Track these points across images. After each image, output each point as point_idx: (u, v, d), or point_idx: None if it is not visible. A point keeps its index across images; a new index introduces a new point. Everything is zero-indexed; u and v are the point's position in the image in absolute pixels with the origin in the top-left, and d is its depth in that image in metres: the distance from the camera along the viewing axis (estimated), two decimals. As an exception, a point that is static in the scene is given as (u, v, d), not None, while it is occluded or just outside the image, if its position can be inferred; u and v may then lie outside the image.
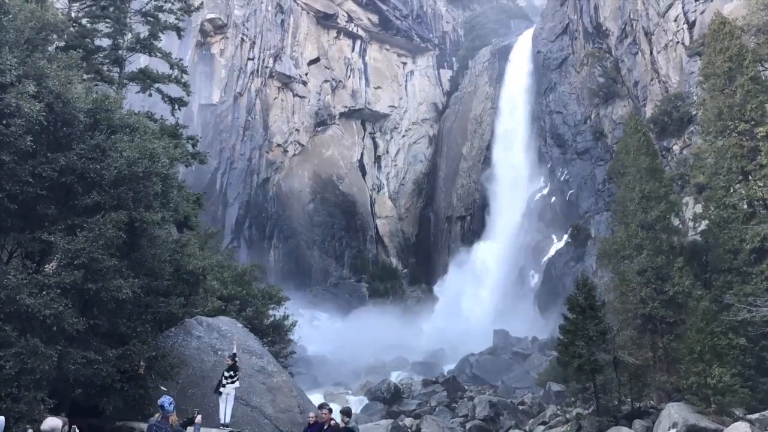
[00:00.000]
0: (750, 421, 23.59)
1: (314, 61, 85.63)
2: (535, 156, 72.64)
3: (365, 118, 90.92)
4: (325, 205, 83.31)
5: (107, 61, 29.70)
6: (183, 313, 20.42)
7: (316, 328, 63.22)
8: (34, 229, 15.86)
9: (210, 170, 71.27)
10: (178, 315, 19.83)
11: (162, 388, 18.31)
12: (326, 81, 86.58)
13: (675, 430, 24.66)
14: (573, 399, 31.35)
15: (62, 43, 24.61)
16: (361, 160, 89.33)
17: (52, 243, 15.37)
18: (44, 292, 14.78)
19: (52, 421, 10.39)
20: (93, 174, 16.31)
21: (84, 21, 29.33)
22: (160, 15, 31.50)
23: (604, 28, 63.86)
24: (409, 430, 37.80)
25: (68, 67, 17.69)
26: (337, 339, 61.47)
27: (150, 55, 31.95)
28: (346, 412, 14.64)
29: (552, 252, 64.02)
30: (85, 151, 16.40)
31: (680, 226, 33.68)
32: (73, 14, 29.02)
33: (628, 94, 60.00)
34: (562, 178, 66.91)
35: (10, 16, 16.32)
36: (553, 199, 67.78)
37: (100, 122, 17.49)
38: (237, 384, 18.25)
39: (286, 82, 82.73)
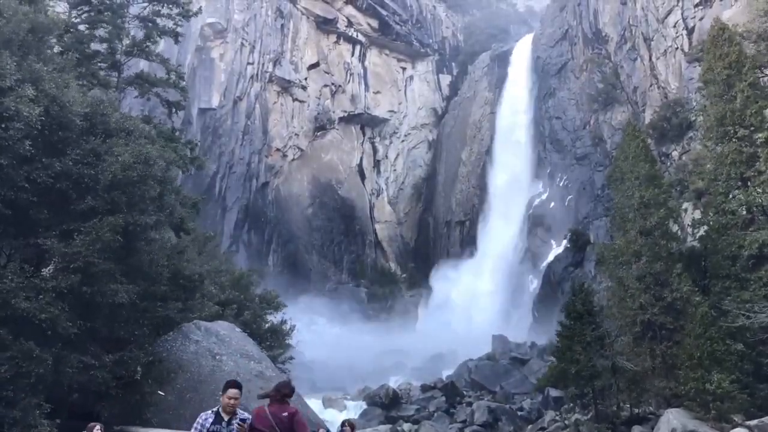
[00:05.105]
0: (749, 428, 23.51)
1: (314, 66, 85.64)
2: (534, 161, 72.61)
3: (365, 122, 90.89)
4: (324, 209, 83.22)
5: (105, 65, 29.69)
6: (180, 318, 20.40)
7: (315, 333, 62.98)
8: (28, 235, 15.74)
9: (209, 174, 71.31)
10: (175, 320, 19.82)
11: (159, 393, 18.28)
12: (326, 86, 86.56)
13: (673, 436, 24.58)
14: (572, 405, 31.28)
15: (59, 48, 24.61)
16: (360, 165, 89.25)
17: (47, 249, 15.26)
18: (40, 296, 14.67)
19: None
20: (88, 179, 16.21)
21: (82, 27, 29.34)
22: (159, 20, 31.52)
23: (603, 33, 63.93)
24: (407, 435, 37.71)
25: (64, 70, 17.63)
26: (336, 344, 61.26)
27: (147, 60, 31.99)
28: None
29: (551, 257, 63.84)
30: (81, 155, 16.31)
31: (679, 232, 33.53)
32: (72, 20, 29.03)
33: (627, 100, 59.99)
34: (561, 184, 66.87)
35: (5, 20, 16.27)
36: (552, 204, 67.66)
37: (96, 126, 17.41)
38: None
39: (286, 86, 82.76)
